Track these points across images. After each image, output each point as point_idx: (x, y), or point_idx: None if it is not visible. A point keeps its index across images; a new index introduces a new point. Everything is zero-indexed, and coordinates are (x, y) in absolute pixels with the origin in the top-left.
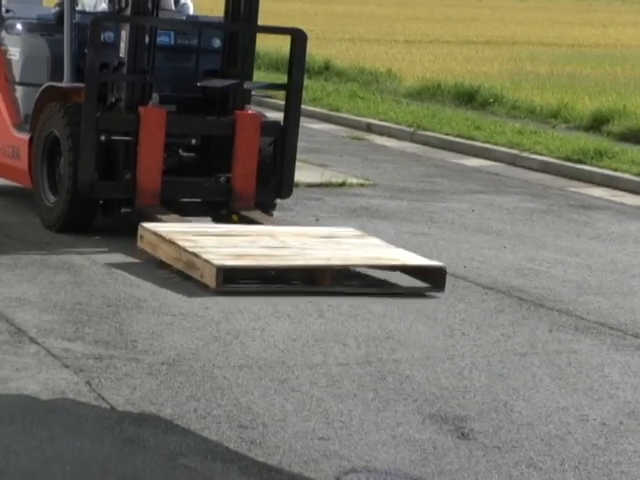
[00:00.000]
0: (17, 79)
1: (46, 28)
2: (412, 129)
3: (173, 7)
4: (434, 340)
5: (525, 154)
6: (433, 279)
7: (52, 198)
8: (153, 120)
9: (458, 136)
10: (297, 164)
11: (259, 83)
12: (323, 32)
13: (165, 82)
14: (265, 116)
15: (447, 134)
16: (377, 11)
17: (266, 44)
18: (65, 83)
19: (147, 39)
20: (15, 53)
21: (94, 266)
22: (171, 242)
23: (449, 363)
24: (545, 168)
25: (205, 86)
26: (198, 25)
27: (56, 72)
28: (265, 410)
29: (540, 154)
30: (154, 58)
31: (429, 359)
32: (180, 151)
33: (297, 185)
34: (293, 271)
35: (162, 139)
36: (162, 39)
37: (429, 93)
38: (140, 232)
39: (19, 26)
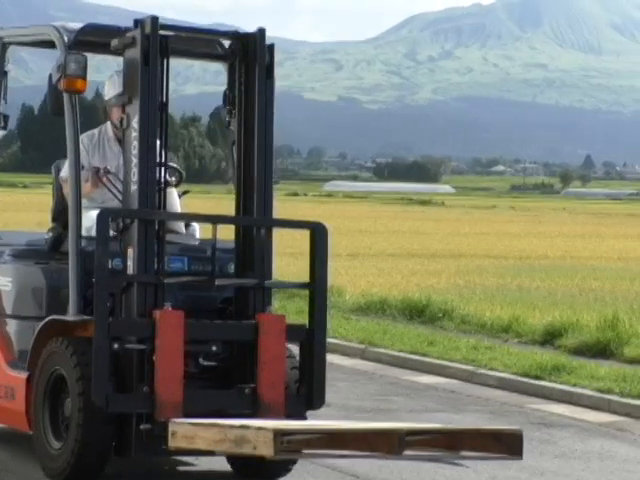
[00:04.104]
0: (9, 312)
1: (38, 255)
2: (363, 346)
3: (183, 230)
4: None
5: (481, 370)
6: (508, 445)
7: (56, 444)
8: (170, 325)
9: (411, 352)
10: None
11: (280, 282)
12: None
13: (179, 287)
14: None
15: (400, 350)
16: None
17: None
18: (71, 316)
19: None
20: (6, 283)
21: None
22: (213, 425)
23: None
24: (502, 385)
25: (221, 291)
26: (210, 220)
27: (53, 304)
28: None
29: (497, 370)
30: (164, 261)
31: None
32: (200, 360)
33: None
34: (351, 439)
35: (181, 345)
36: (175, 265)
37: (376, 308)
38: (171, 429)
39: (9, 254)
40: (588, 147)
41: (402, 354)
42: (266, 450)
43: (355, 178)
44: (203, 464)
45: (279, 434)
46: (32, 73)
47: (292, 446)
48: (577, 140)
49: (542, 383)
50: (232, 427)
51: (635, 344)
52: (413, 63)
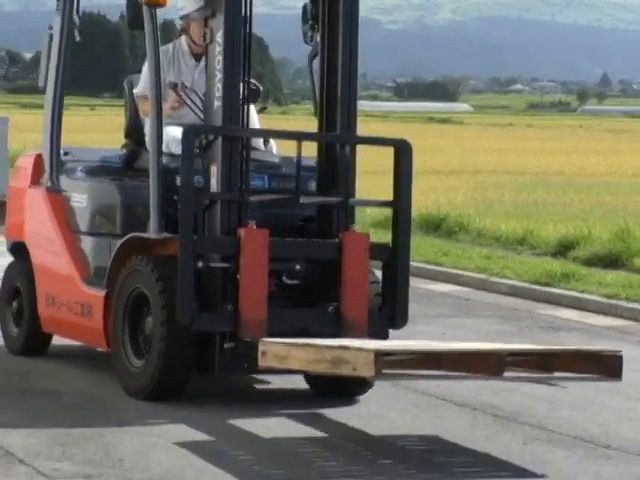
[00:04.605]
0: (83, 229)
1: (112, 172)
2: None
3: (263, 147)
4: (411, 454)
5: (494, 278)
6: (608, 367)
7: (137, 362)
8: (255, 243)
9: (426, 262)
10: None
11: (364, 200)
12: None
13: (260, 205)
14: None
15: (415, 260)
16: None
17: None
18: (152, 234)
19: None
20: (81, 200)
21: (76, 393)
22: (308, 345)
23: (430, 473)
24: (514, 292)
25: (302, 209)
26: (295, 136)
27: (128, 221)
28: None
29: (508, 278)
30: (248, 179)
31: (411, 467)
32: (283, 278)
33: None
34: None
35: (266, 264)
36: (256, 183)
37: None
38: (262, 348)
39: (82, 170)
40: (605, 65)
41: (418, 264)
42: (367, 371)
43: (375, 97)
44: (279, 382)
45: (380, 355)
46: None
47: (391, 367)
48: (594, 59)
49: (551, 290)
50: (329, 347)
51: None
52: None
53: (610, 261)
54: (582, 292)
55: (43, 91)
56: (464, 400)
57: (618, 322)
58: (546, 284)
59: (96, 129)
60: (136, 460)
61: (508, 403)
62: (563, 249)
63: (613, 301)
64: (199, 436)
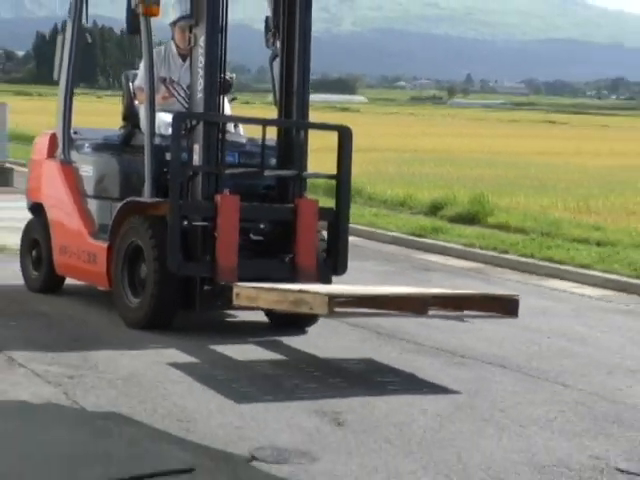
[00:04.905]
0: (90, 193)
1: (113, 148)
2: None
3: (233, 130)
4: (315, 359)
5: (380, 231)
6: (507, 307)
7: (134, 300)
8: (229, 206)
9: None
10: None
11: (314, 173)
12: None
13: (231, 176)
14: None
15: None
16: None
17: None
18: (147, 198)
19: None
20: (88, 170)
21: (62, 314)
22: (273, 289)
23: (329, 375)
24: (395, 241)
25: (264, 180)
26: (260, 122)
27: (125, 187)
28: (196, 409)
29: (391, 230)
30: (224, 155)
31: (317, 371)
32: (250, 235)
33: None
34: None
35: (237, 223)
36: (228, 159)
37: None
38: (235, 291)
39: (89, 146)
40: (469, 68)
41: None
42: (321, 310)
43: None
44: (244, 316)
45: (332, 297)
46: (43, 6)
47: (341, 306)
48: (461, 62)
49: (424, 240)
50: (291, 291)
51: (496, 215)
52: (337, 1)
53: (469, 219)
54: (447, 242)
55: (57, 83)
56: (356, 322)
57: (474, 265)
58: (420, 235)
59: (78, 112)
60: (108, 364)
61: (389, 323)
62: (434, 209)
63: (470, 249)
64: (172, 352)
